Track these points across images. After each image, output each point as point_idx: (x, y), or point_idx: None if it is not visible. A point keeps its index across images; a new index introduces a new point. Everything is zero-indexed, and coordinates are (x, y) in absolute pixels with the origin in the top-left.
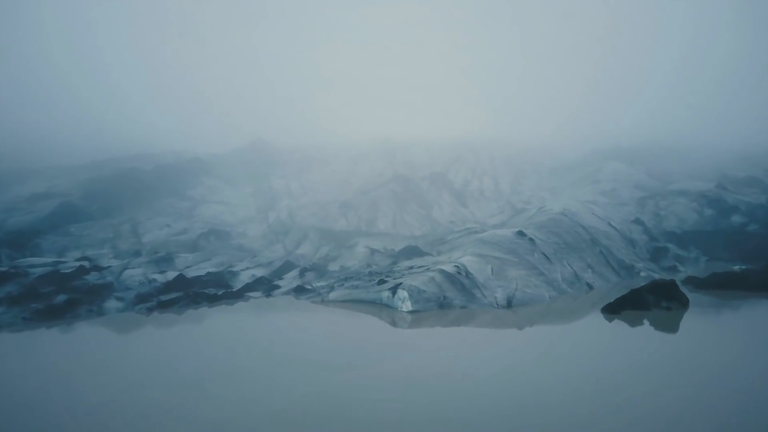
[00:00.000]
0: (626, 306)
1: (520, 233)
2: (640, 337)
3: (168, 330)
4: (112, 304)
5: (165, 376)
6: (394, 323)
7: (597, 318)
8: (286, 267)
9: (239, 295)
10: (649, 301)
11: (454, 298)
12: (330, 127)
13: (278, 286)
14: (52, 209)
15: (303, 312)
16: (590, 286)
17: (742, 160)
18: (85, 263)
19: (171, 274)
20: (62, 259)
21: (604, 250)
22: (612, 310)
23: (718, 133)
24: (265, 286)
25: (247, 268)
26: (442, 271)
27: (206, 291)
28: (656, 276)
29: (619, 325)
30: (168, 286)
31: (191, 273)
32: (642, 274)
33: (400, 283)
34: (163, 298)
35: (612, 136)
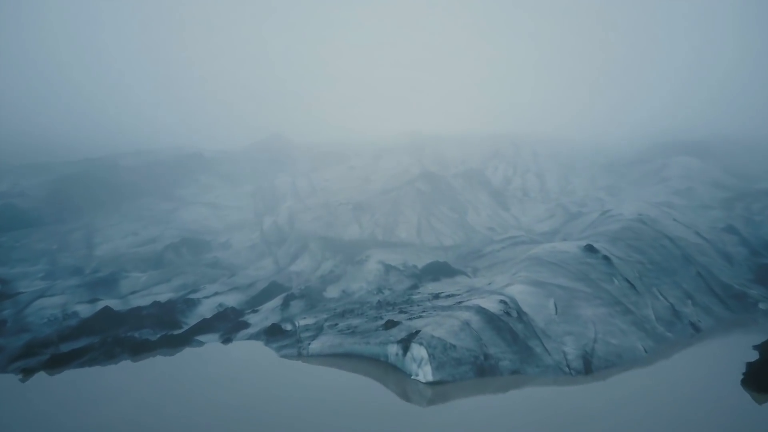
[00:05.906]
0: None
1: (590, 248)
2: None
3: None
4: None
5: None
6: (405, 396)
7: (731, 389)
8: (270, 291)
9: (185, 339)
10: None
11: (500, 357)
12: (351, 124)
13: (246, 324)
14: None
15: (264, 377)
16: (696, 328)
17: None
18: None
19: (101, 305)
20: None
21: (703, 270)
22: (760, 383)
23: None
24: (228, 324)
25: (216, 294)
26: (480, 311)
27: (135, 335)
28: None
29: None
30: (83, 327)
31: (134, 301)
32: (761, 306)
33: (417, 332)
34: (64, 348)
35: (672, 130)
